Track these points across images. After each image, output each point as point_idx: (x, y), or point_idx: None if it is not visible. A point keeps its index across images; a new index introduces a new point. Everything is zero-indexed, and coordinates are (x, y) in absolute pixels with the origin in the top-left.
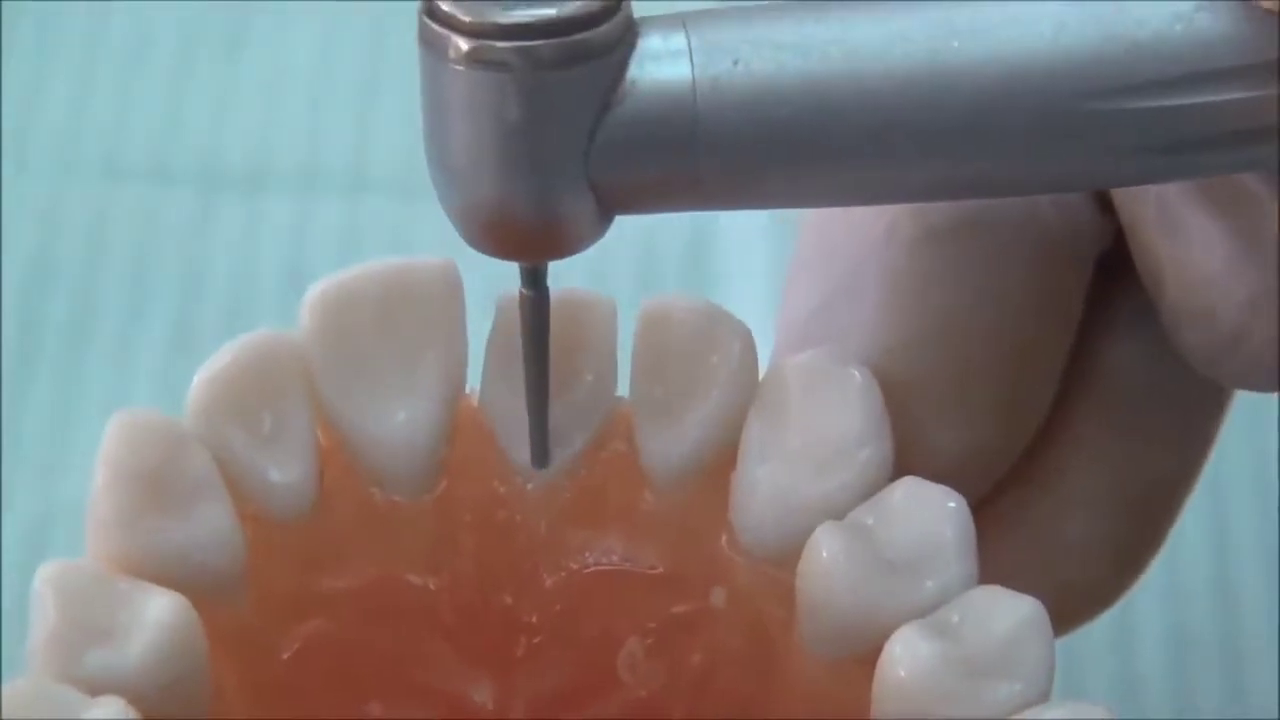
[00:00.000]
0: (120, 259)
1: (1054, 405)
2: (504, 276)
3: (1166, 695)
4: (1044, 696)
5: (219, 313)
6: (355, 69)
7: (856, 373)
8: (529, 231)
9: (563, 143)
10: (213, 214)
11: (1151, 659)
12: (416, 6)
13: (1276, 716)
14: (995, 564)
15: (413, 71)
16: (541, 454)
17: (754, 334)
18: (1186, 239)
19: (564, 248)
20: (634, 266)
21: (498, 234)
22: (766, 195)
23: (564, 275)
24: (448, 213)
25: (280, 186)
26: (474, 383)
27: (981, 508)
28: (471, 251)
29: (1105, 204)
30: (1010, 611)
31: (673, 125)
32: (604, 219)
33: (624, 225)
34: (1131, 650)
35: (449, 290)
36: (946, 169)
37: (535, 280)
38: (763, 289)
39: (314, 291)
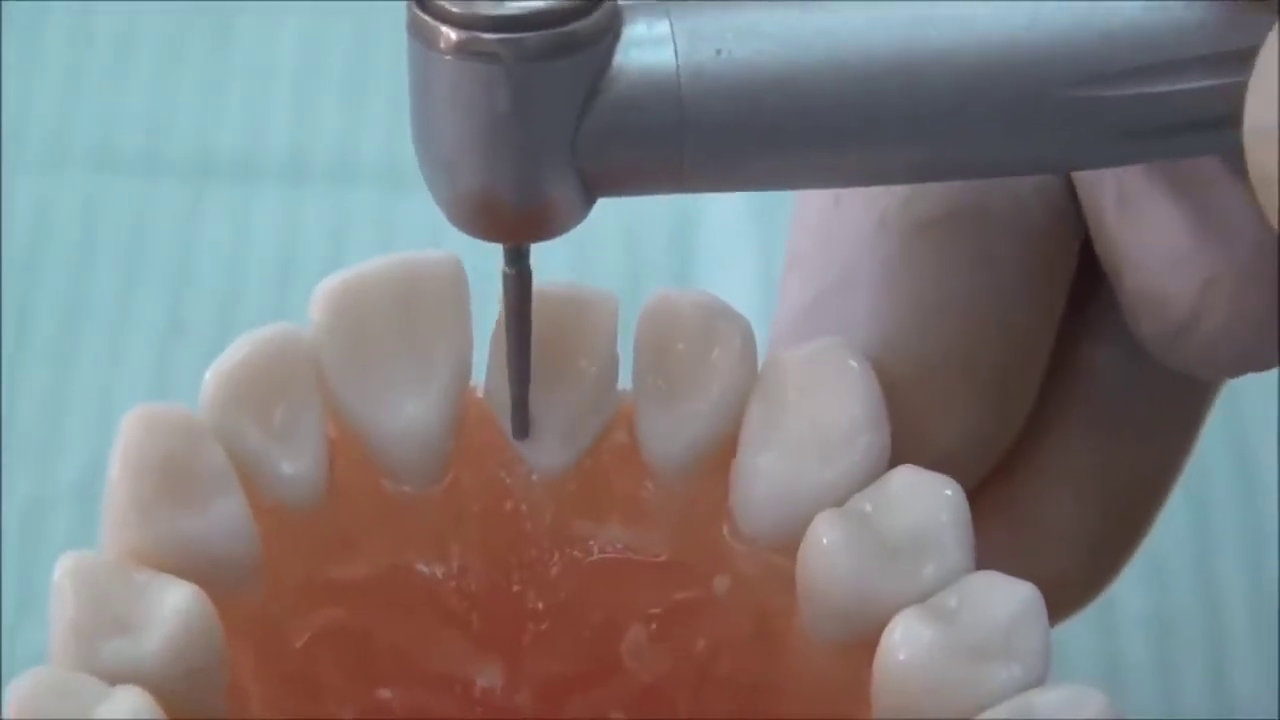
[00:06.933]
0: (112, 249)
1: (1037, 398)
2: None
3: (1149, 680)
4: (1041, 680)
5: (210, 302)
6: (343, 60)
7: (854, 362)
8: (515, 216)
9: (549, 130)
10: (203, 205)
11: (1134, 645)
12: None
13: (1261, 699)
14: (979, 551)
15: (400, 63)
16: (521, 426)
17: None
18: (1143, 225)
19: (549, 230)
20: (618, 255)
21: (484, 218)
22: (749, 178)
23: (548, 265)
24: (435, 198)
25: (270, 177)
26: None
27: (970, 496)
28: (465, 244)
29: (1074, 193)
30: (1008, 596)
31: (657, 112)
32: (588, 202)
33: (607, 213)
34: (1115, 636)
35: (456, 284)
36: (924, 153)
37: (518, 259)
38: (748, 276)
39: (323, 287)
